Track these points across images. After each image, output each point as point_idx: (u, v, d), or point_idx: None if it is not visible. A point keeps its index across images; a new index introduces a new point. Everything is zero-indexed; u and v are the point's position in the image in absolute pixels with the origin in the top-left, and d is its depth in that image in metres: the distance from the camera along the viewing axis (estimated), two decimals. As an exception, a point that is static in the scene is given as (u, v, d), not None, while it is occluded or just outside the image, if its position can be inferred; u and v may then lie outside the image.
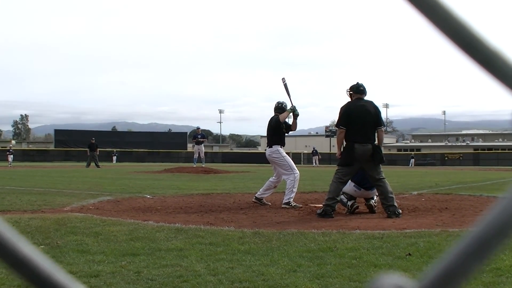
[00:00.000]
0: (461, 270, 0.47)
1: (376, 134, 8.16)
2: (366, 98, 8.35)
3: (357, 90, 8.27)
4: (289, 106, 9.85)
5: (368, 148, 7.98)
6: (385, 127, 9.69)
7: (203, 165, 27.89)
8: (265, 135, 10.17)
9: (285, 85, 9.82)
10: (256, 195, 9.87)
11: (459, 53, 0.49)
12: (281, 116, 9.77)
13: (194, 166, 27.71)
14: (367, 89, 8.36)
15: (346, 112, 8.19)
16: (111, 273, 4.18)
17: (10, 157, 41.16)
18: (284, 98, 9.96)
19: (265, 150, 10.29)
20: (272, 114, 10.09)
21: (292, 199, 9.39)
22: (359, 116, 8.07)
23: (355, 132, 8.01)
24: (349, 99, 8.40)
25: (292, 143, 71.57)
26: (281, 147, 9.86)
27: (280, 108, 9.99)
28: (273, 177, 9.99)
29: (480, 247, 0.47)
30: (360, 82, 8.36)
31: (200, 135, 29.12)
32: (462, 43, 0.49)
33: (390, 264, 4.49)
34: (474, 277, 0.48)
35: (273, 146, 9.83)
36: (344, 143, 8.27)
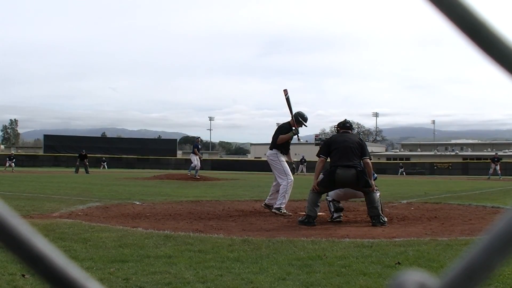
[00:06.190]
0: (483, 267, 0.47)
1: (362, 162, 8.24)
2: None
3: (343, 126, 8.80)
4: (289, 119, 10.06)
5: (352, 172, 8.03)
6: (371, 158, 9.79)
7: (190, 174, 26.69)
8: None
9: (287, 98, 10.14)
10: (265, 201, 10.02)
11: (462, 37, 0.49)
12: (281, 138, 9.85)
13: (195, 175, 26.15)
14: (353, 125, 8.87)
15: (327, 142, 8.62)
16: (100, 280, 4.15)
17: (12, 163, 41.05)
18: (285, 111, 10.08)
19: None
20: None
21: (283, 205, 9.44)
22: (341, 143, 8.30)
23: (338, 158, 8.22)
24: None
25: (282, 151, 71.31)
26: (281, 153, 9.99)
27: (298, 120, 10.04)
28: (275, 182, 10.08)
29: (502, 243, 0.47)
30: (347, 119, 8.90)
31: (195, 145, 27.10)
32: (466, 27, 0.49)
33: (380, 273, 4.50)
34: (496, 274, 0.48)
35: (273, 149, 10.02)
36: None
